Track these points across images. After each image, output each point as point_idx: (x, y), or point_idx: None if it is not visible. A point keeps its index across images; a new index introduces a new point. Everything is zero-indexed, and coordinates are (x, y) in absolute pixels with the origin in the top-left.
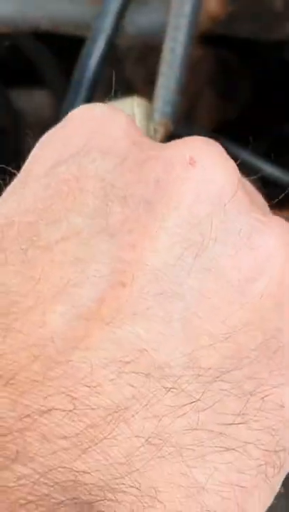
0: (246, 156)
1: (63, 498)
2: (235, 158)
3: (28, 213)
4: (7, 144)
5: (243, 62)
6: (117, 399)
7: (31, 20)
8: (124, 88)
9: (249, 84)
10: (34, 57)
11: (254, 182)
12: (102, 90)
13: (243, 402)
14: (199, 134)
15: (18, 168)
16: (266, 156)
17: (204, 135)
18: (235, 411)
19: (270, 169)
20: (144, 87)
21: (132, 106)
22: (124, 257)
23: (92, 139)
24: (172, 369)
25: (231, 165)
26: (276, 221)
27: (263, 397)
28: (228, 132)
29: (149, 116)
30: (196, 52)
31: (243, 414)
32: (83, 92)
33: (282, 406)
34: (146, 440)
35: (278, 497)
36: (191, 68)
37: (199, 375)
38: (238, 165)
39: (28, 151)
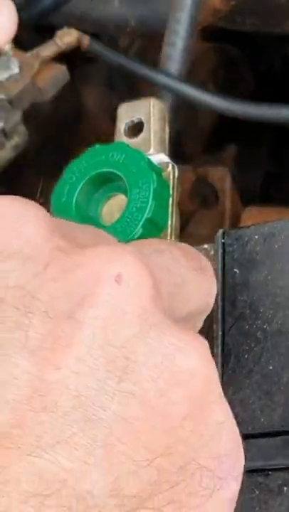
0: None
1: None
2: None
3: None
4: None
5: (246, 56)
6: None
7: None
8: (125, 83)
9: (251, 78)
10: None
11: (258, 178)
12: (102, 85)
13: None
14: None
15: (18, 166)
16: (268, 154)
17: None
18: None
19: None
20: (144, 81)
21: (149, 107)
22: (46, 377)
23: (11, 242)
24: (95, 499)
25: (153, 280)
26: (197, 339)
27: None
28: (231, 126)
29: (164, 117)
30: (199, 46)
31: None
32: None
33: None
34: None
35: (281, 497)
36: (193, 62)
37: (122, 504)
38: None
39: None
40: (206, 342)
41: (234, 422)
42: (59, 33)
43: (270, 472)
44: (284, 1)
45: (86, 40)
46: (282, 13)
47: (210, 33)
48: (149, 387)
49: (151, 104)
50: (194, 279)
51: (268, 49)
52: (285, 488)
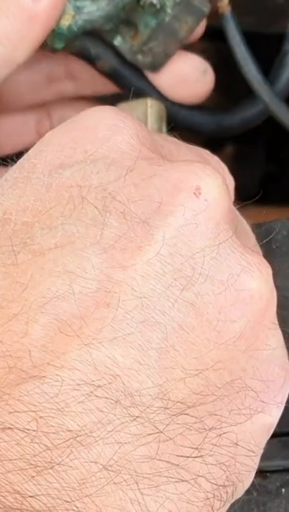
0: None
1: None
2: None
3: (26, 212)
4: None
5: None
6: (83, 422)
7: None
8: None
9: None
10: None
11: (256, 178)
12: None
13: (202, 436)
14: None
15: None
16: (266, 154)
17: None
18: (194, 445)
19: None
20: None
21: (146, 107)
22: (114, 276)
23: (101, 147)
24: (142, 398)
25: (230, 202)
26: (263, 263)
27: (220, 434)
28: None
29: (162, 117)
30: (196, 45)
31: (200, 448)
32: None
33: (236, 444)
34: (104, 466)
35: (279, 499)
36: None
37: (167, 408)
38: None
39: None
40: (270, 268)
41: (285, 351)
42: None
43: (268, 474)
44: (282, 0)
45: None
46: (280, 13)
47: (207, 32)
48: (210, 301)
49: (149, 104)
50: None
51: (265, 48)
52: (283, 490)
